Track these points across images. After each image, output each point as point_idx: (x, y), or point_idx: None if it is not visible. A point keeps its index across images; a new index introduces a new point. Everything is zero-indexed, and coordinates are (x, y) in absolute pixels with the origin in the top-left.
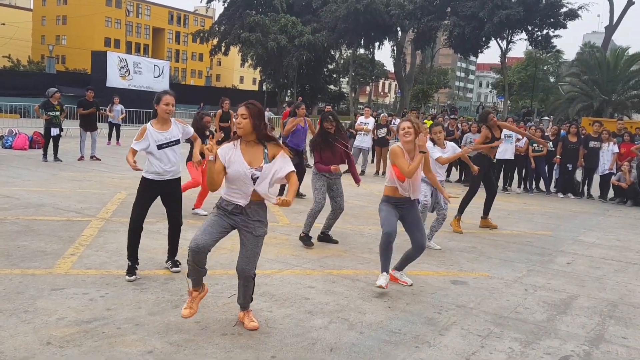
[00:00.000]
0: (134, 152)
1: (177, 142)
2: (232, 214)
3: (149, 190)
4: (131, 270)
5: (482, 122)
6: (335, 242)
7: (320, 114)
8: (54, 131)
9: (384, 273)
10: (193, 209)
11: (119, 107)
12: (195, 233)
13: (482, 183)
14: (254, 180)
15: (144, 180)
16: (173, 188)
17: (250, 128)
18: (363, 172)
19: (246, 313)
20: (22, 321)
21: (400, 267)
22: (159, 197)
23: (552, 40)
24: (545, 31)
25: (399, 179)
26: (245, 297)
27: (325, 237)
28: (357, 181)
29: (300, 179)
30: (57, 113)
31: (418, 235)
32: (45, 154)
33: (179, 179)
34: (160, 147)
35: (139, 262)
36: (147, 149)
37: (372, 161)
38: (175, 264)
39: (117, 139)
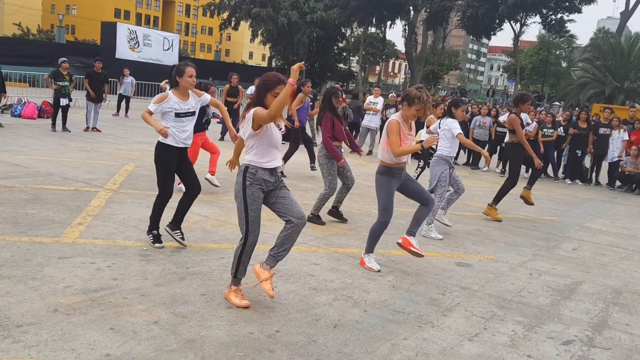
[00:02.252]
0: (150, 112)
1: (194, 113)
2: (268, 181)
3: (170, 156)
4: (158, 238)
5: (520, 102)
6: (345, 220)
7: (328, 90)
8: (63, 101)
9: (372, 255)
10: (210, 174)
11: (129, 80)
12: (248, 229)
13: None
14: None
15: (162, 146)
16: (185, 155)
17: None
18: (370, 152)
19: (272, 275)
20: (30, 288)
21: (413, 230)
22: None
23: (566, 25)
24: (559, 15)
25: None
26: (289, 249)
27: (336, 213)
28: (358, 151)
29: (291, 153)
30: (67, 83)
31: (424, 193)
32: (53, 124)
33: (185, 148)
34: (178, 115)
35: (146, 235)
36: (160, 110)
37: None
38: (182, 237)
39: (126, 111)
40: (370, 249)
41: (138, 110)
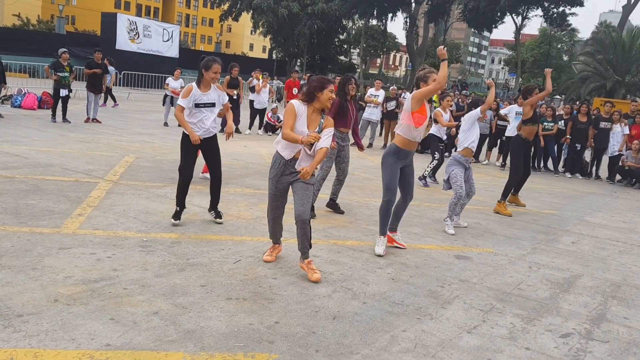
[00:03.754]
0: (182, 109)
1: (213, 105)
2: (284, 171)
3: (189, 144)
4: (177, 215)
5: (527, 93)
6: (342, 212)
7: (342, 77)
8: (63, 92)
9: (382, 237)
10: (202, 172)
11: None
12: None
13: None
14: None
15: (185, 135)
16: (209, 145)
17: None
18: (371, 145)
19: (307, 263)
20: (30, 278)
21: (394, 226)
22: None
23: (567, 18)
24: (561, 8)
25: (416, 125)
26: (304, 242)
27: (333, 205)
28: (360, 147)
29: None
30: (67, 74)
31: (410, 186)
32: (53, 115)
33: (215, 136)
34: (197, 105)
35: (147, 225)
36: (191, 103)
37: (380, 134)
38: (219, 215)
39: (105, 101)
40: (382, 230)
41: (138, 102)
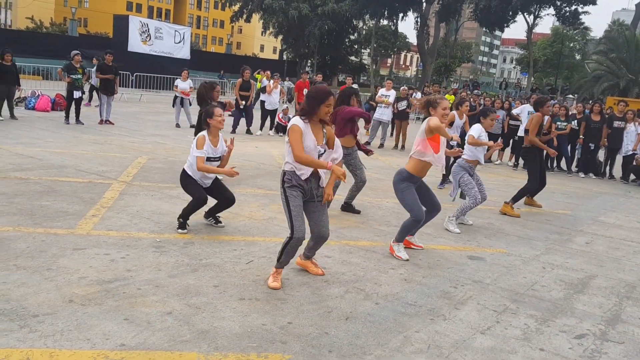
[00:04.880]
0: (203, 158)
1: (219, 159)
2: (302, 188)
3: (191, 180)
4: (183, 225)
5: (538, 105)
6: (358, 212)
7: (347, 90)
8: (76, 94)
9: (401, 244)
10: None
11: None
12: (293, 224)
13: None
14: (319, 155)
15: (184, 177)
16: (215, 183)
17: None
18: (382, 145)
19: (312, 260)
20: (45, 279)
21: (413, 232)
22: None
23: (580, 17)
24: (573, 7)
25: (435, 152)
26: (314, 251)
27: (348, 207)
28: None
29: None
30: (80, 76)
31: (435, 199)
32: (67, 117)
33: (216, 178)
34: (208, 159)
35: (160, 226)
36: (207, 151)
37: (392, 134)
38: (218, 219)
39: (90, 100)
40: (400, 239)
41: (151, 104)
